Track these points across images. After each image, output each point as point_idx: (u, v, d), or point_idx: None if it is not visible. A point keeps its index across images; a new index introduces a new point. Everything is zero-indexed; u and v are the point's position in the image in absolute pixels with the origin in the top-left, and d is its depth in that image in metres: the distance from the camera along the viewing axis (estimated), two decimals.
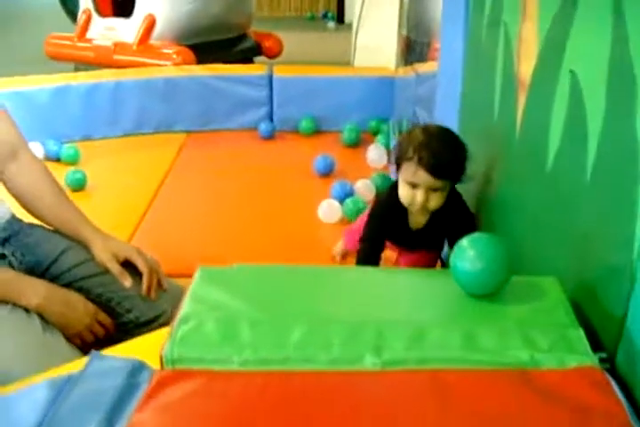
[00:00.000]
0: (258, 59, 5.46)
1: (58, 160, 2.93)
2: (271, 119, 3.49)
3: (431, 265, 1.68)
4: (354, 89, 3.41)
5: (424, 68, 2.42)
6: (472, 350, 0.78)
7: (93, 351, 0.81)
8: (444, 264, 1.78)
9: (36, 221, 1.51)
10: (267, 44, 5.50)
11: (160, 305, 1.43)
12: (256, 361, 0.77)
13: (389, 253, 1.61)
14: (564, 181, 1.02)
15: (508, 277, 0.90)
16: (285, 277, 0.98)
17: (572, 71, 1.00)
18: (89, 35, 5.04)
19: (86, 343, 1.34)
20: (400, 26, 3.28)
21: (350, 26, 5.01)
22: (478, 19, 1.59)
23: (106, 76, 3.36)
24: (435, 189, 1.36)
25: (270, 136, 3.38)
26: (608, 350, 0.83)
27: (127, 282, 1.41)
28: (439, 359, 0.77)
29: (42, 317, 1.28)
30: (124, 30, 4.85)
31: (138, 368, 0.77)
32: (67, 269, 1.43)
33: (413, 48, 2.72)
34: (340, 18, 9.08)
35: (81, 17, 5.13)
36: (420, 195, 1.36)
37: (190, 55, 4.52)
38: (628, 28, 0.81)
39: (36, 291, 1.30)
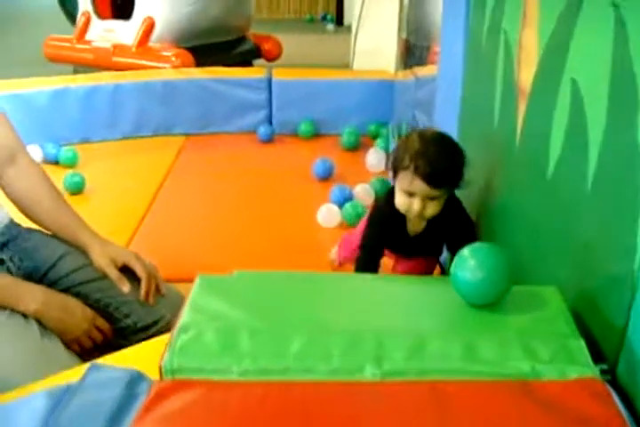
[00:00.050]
0: (257, 61, 5.46)
1: (56, 163, 2.93)
2: (270, 122, 3.49)
3: (429, 271, 1.67)
4: (353, 92, 3.41)
5: (424, 71, 2.41)
6: (472, 361, 0.78)
7: (92, 362, 0.80)
8: (443, 269, 1.78)
9: (34, 226, 1.50)
10: (266, 46, 5.50)
11: (158, 310, 1.43)
12: (256, 371, 0.77)
13: (386, 261, 1.60)
14: (565, 190, 1.02)
15: (508, 287, 0.90)
16: (285, 285, 0.98)
17: (572, 79, 0.99)
18: (88, 37, 5.04)
19: (84, 349, 1.34)
20: (400, 29, 3.27)
21: (349, 28, 5.01)
22: (479, 23, 1.59)
23: (105, 79, 3.36)
24: (432, 198, 1.35)
25: (269, 139, 3.38)
26: (609, 360, 0.83)
27: (125, 287, 1.41)
28: (439, 370, 0.77)
29: (40, 322, 1.28)
30: (123, 32, 4.85)
31: (136, 379, 0.76)
32: (65, 274, 1.43)
33: (413, 51, 2.72)
34: (339, 20, 9.09)
35: (80, 19, 5.13)
36: (416, 203, 1.35)
37: (189, 58, 4.52)
38: (629, 37, 0.81)
39: (33, 296, 1.30)
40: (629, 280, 0.79)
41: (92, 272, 1.43)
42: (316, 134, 3.42)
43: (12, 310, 1.27)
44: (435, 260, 1.68)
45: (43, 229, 1.50)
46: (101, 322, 1.37)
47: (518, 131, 1.27)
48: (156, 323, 1.41)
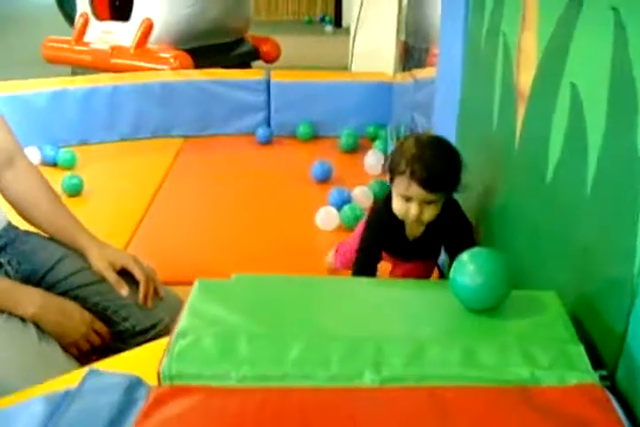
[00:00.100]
0: (255, 63, 5.46)
1: (54, 165, 2.92)
2: (269, 124, 3.48)
3: (427, 274, 1.67)
4: (352, 94, 3.41)
5: (422, 73, 2.41)
6: (472, 367, 0.78)
7: (90, 367, 0.80)
8: (441, 272, 1.78)
9: (32, 229, 1.50)
10: (264, 48, 5.50)
11: (156, 314, 1.42)
12: (254, 377, 0.77)
13: (384, 265, 1.60)
14: (564, 194, 1.01)
15: (507, 292, 0.89)
16: (283, 289, 0.97)
17: (572, 82, 0.99)
18: (86, 38, 5.04)
19: (82, 352, 1.33)
20: (398, 31, 3.27)
21: (348, 29, 5.01)
22: (478, 25, 1.59)
23: (103, 81, 3.36)
24: (429, 202, 1.35)
25: (268, 141, 3.38)
26: (608, 366, 0.83)
27: (124, 290, 1.41)
28: (438, 376, 0.77)
29: (38, 326, 1.28)
30: (121, 34, 4.84)
31: (135, 384, 0.76)
32: (63, 277, 1.42)
33: (412, 53, 2.72)
34: (337, 22, 9.10)
35: (78, 20, 5.13)
36: (413, 208, 1.34)
37: (188, 59, 4.52)
38: (629, 40, 0.81)
39: (31, 300, 1.29)
40: (629, 285, 0.79)
41: (90, 275, 1.43)
42: (314, 136, 3.42)
43: (10, 314, 1.26)
44: (433, 263, 1.67)
45: (41, 232, 1.49)
46: (100, 325, 1.37)
47: (517, 134, 1.27)
48: (154, 326, 1.41)
